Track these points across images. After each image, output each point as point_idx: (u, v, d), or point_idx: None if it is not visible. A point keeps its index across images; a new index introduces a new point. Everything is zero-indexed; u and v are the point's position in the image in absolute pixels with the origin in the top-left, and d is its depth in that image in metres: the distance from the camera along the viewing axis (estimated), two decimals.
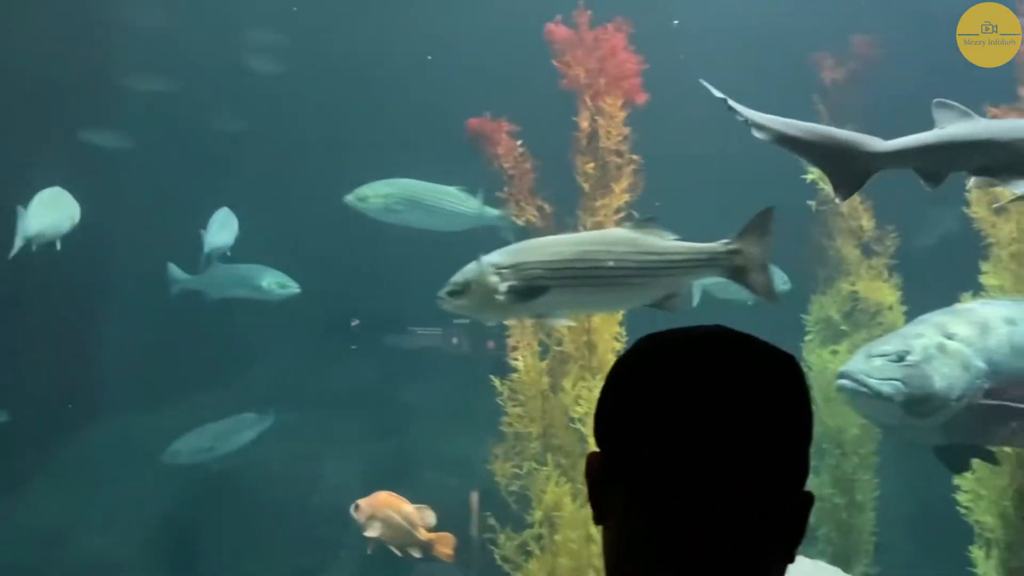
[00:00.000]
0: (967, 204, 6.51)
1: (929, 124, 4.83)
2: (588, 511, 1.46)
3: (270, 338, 11.12)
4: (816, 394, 7.61)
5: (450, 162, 8.20)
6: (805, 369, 7.49)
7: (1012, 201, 5.13)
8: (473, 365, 8.49)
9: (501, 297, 5.19)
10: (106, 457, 9.95)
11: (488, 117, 6.49)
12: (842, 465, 7.89)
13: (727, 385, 1.53)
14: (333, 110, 10.98)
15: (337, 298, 10.60)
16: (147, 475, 9.50)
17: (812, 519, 1.62)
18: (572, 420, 6.51)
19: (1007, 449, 6.13)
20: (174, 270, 9.97)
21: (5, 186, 8.15)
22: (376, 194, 9.01)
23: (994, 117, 5.49)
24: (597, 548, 5.93)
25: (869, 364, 5.60)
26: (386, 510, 7.05)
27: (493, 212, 8.63)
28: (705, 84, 4.78)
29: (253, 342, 11.25)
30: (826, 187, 7.68)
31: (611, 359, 6.14)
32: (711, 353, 1.58)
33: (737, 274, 5.17)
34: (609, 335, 6.50)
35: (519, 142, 6.50)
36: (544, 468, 6.52)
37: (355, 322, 11.06)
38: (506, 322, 6.55)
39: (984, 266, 6.48)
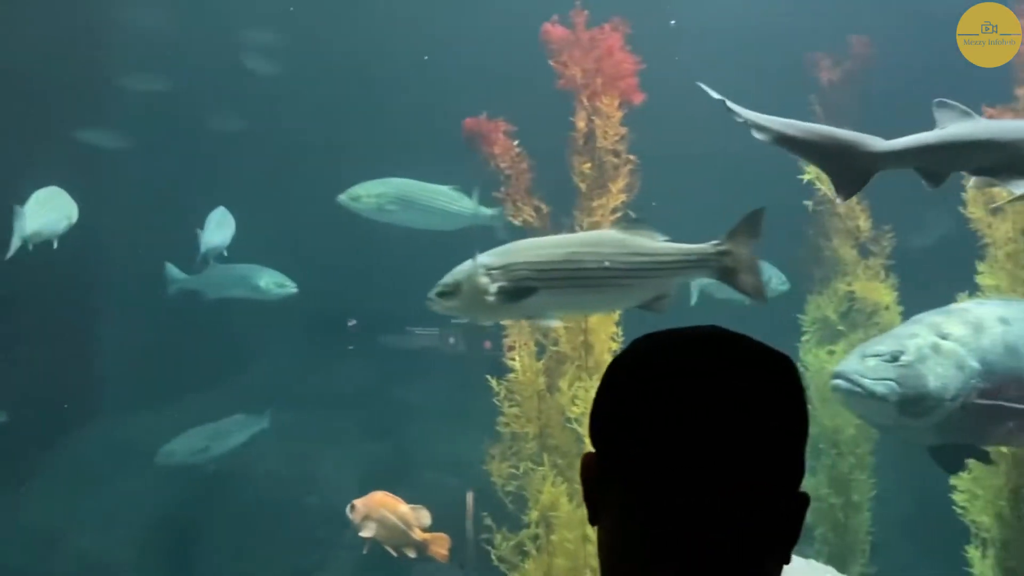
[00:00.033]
0: (963, 204, 6.51)
1: (925, 124, 4.84)
2: (584, 511, 1.47)
3: (267, 338, 11.13)
4: (813, 394, 7.62)
5: (447, 162, 8.19)
6: (802, 369, 7.54)
7: (1011, 201, 5.14)
8: (470, 365, 8.48)
9: (491, 298, 5.20)
10: (103, 457, 9.95)
11: (485, 117, 6.48)
12: (839, 465, 7.89)
13: (724, 385, 1.53)
14: (330, 110, 10.99)
15: (334, 298, 10.60)
16: (144, 475, 9.50)
17: (809, 519, 1.62)
18: (568, 420, 6.51)
19: (1003, 449, 6.13)
20: (172, 270, 9.96)
21: (3, 186, 8.14)
22: (369, 193, 9.00)
23: (990, 118, 5.49)
24: (593, 548, 5.92)
25: (863, 364, 5.61)
26: (381, 510, 7.04)
27: (487, 211, 8.63)
28: (703, 87, 4.78)
29: (251, 342, 11.26)
30: (823, 187, 7.70)
31: (607, 359, 6.12)
32: (707, 353, 1.58)
33: (726, 275, 5.19)
34: (605, 335, 6.50)
35: (516, 142, 6.50)
36: (540, 468, 6.52)
37: (352, 322, 11.06)
38: (503, 322, 6.55)
39: (980, 266, 6.49)
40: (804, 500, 1.58)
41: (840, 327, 8.12)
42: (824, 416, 7.71)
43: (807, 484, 1.59)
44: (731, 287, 5.24)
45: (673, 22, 9.94)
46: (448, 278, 5.35)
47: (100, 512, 9.48)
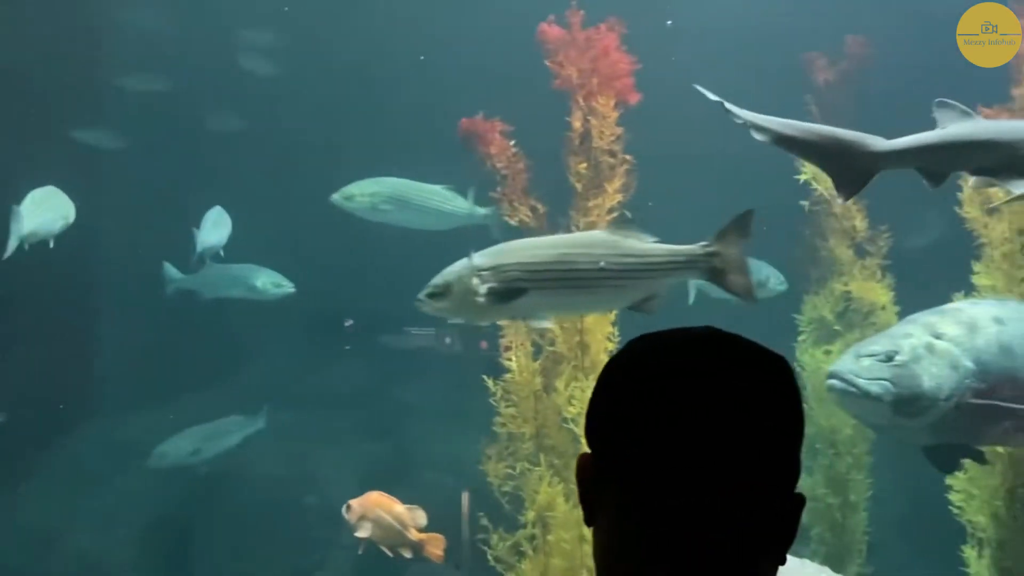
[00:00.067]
0: (959, 205, 6.52)
1: (922, 124, 4.84)
2: (581, 511, 1.46)
3: (265, 338, 11.12)
4: (809, 394, 7.63)
5: (445, 162, 8.19)
6: (798, 369, 7.53)
7: (1009, 201, 5.14)
8: (466, 365, 8.49)
9: (481, 299, 5.20)
10: (101, 457, 9.95)
11: (481, 117, 6.48)
12: (836, 465, 7.89)
13: (719, 386, 1.53)
14: (328, 110, 10.99)
15: (332, 298, 10.60)
16: (143, 475, 9.49)
17: (805, 519, 1.62)
18: (565, 420, 6.51)
19: (999, 449, 6.14)
20: (170, 269, 9.96)
21: (0, 186, 8.14)
22: (363, 193, 9.00)
23: (987, 118, 5.49)
24: (590, 548, 5.90)
25: (858, 364, 5.61)
26: (377, 510, 7.04)
27: (481, 211, 8.63)
28: (701, 89, 4.78)
29: (248, 342, 11.26)
30: (819, 187, 7.71)
31: (603, 359, 6.14)
32: (702, 354, 1.58)
33: (715, 276, 5.20)
34: (602, 335, 6.50)
35: (512, 142, 6.50)
36: (537, 468, 6.52)
37: (349, 322, 11.06)
38: (498, 323, 6.55)
39: (976, 266, 6.50)
40: (800, 501, 1.58)
41: (836, 327, 8.12)
42: (821, 416, 7.71)
43: (804, 484, 1.59)
44: (721, 288, 5.25)
45: (670, 22, 9.94)
46: (438, 279, 5.36)
47: (98, 512, 9.48)
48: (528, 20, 6.54)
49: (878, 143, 4.68)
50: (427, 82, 10.57)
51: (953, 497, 6.37)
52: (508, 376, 6.61)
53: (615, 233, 5.37)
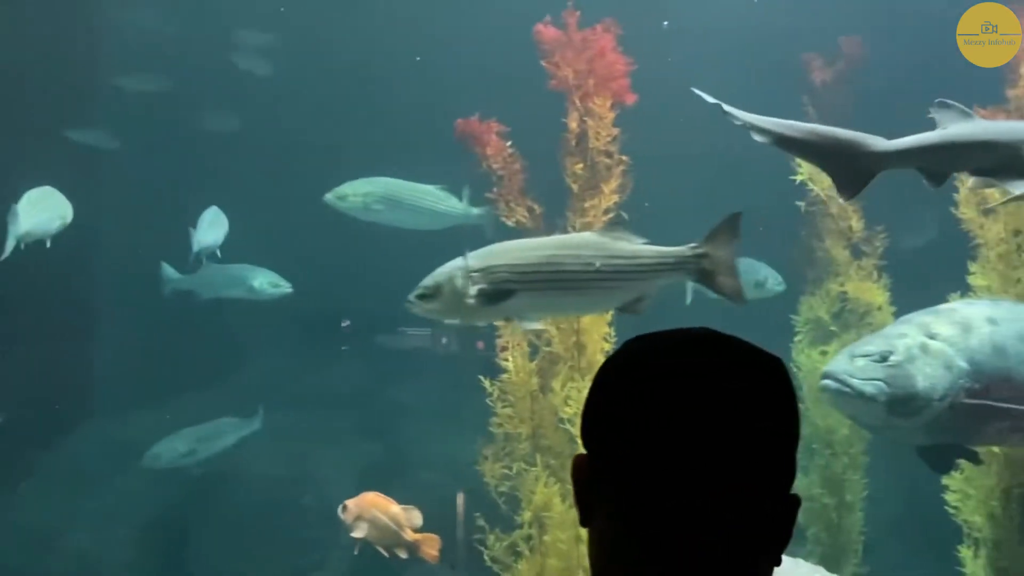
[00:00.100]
0: (955, 206, 6.53)
1: (917, 125, 4.85)
2: (577, 512, 1.47)
3: (262, 338, 11.12)
4: (806, 395, 7.63)
5: (442, 162, 8.18)
6: (794, 370, 7.53)
7: (1006, 201, 5.15)
8: (463, 365, 8.49)
9: (470, 301, 5.21)
10: (99, 457, 9.94)
11: (477, 118, 6.47)
12: (832, 465, 7.89)
13: (715, 387, 1.53)
14: (325, 110, 10.98)
15: (329, 298, 10.59)
16: (141, 475, 9.49)
17: (801, 519, 1.62)
18: (561, 421, 6.52)
19: (995, 449, 6.15)
20: (167, 270, 9.96)
21: None
22: (355, 193, 8.99)
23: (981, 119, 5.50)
24: (586, 549, 5.91)
25: (852, 364, 5.61)
26: (373, 511, 7.04)
27: (475, 211, 8.63)
28: (699, 92, 4.78)
29: (245, 342, 11.25)
30: (815, 188, 7.71)
31: (600, 360, 6.12)
32: (699, 355, 1.58)
33: (704, 277, 5.21)
34: (598, 336, 6.50)
35: (508, 143, 6.50)
36: (533, 469, 6.52)
37: (346, 322, 11.05)
38: (495, 323, 6.55)
39: (972, 267, 6.50)
40: (795, 502, 1.58)
41: (833, 328, 8.11)
42: (817, 416, 7.70)
43: (800, 484, 1.59)
44: (710, 290, 5.25)
45: (666, 23, 9.94)
46: (428, 281, 5.37)
47: (97, 512, 9.48)
48: (525, 20, 6.53)
49: (879, 143, 4.69)
50: (424, 82, 10.57)
51: (949, 497, 6.38)
52: (504, 376, 6.61)
53: (604, 235, 5.38)
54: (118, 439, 9.97)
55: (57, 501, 9.58)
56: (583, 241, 5.46)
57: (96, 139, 10.43)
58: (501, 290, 5.23)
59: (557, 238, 5.82)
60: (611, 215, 6.35)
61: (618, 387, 1.59)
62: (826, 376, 5.69)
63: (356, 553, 7.14)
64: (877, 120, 4.90)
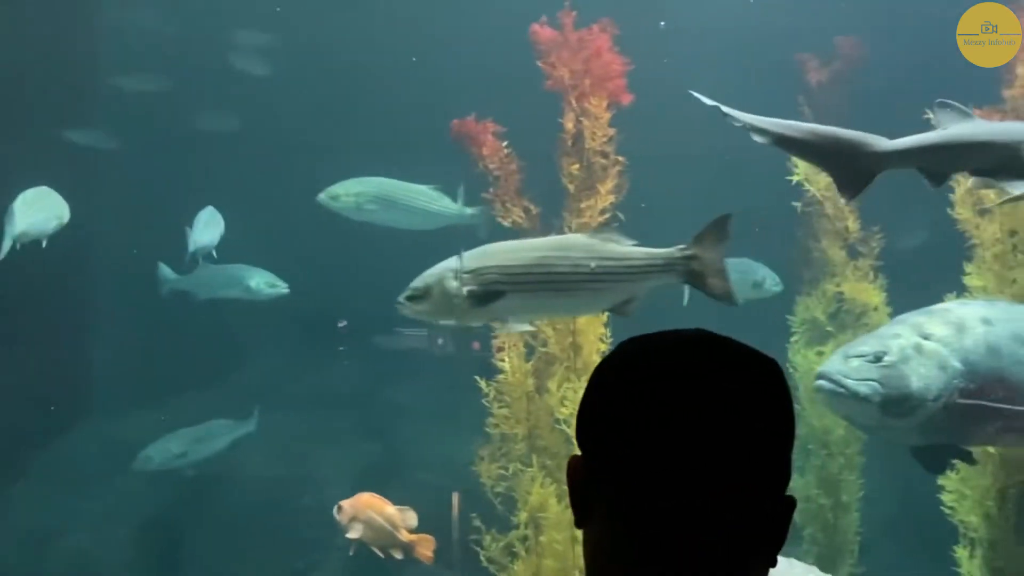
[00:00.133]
0: (951, 206, 6.53)
1: (913, 125, 4.86)
2: None
3: (259, 338, 11.12)
4: (802, 395, 7.62)
5: (440, 162, 8.18)
6: (790, 370, 7.52)
7: (1007, 201, 5.16)
8: (459, 366, 8.49)
9: (460, 302, 5.22)
10: (96, 458, 9.93)
11: (473, 118, 6.47)
12: (828, 466, 7.89)
13: (710, 388, 1.53)
14: (322, 110, 10.98)
15: (325, 298, 10.58)
16: (136, 475, 9.47)
17: (797, 519, 1.62)
18: (557, 421, 6.52)
19: (990, 449, 6.15)
20: (164, 270, 9.95)
21: None
22: (347, 193, 8.98)
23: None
24: (581, 549, 5.90)
25: (846, 365, 5.61)
26: (368, 511, 7.04)
27: (469, 211, 8.62)
28: (696, 95, 4.78)
29: (242, 342, 11.25)
30: (811, 188, 7.72)
31: (596, 360, 6.14)
32: (694, 356, 1.58)
33: (694, 279, 5.21)
34: (594, 336, 6.50)
35: (505, 143, 6.49)
36: (529, 469, 6.53)
37: (342, 323, 11.05)
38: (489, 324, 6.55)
39: (968, 267, 6.51)
40: (791, 503, 1.58)
41: (829, 328, 8.12)
42: (813, 417, 7.70)
43: (796, 484, 1.59)
44: (700, 291, 5.26)
45: (663, 23, 9.94)
46: (418, 282, 5.38)
47: (93, 512, 9.47)
48: (521, 21, 6.53)
49: (881, 143, 4.69)
50: (421, 82, 10.56)
51: (945, 497, 6.39)
52: (501, 377, 6.61)
53: (594, 236, 5.39)
54: (116, 439, 9.96)
55: (55, 501, 9.58)
56: (573, 243, 5.47)
57: (94, 139, 10.42)
58: (491, 291, 5.23)
59: (547, 239, 5.83)
60: (607, 215, 6.35)
61: (614, 388, 1.59)
62: (820, 376, 5.68)
63: (351, 554, 7.15)
64: (877, 120, 4.90)
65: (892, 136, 4.76)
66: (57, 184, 8.05)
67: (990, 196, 5.84)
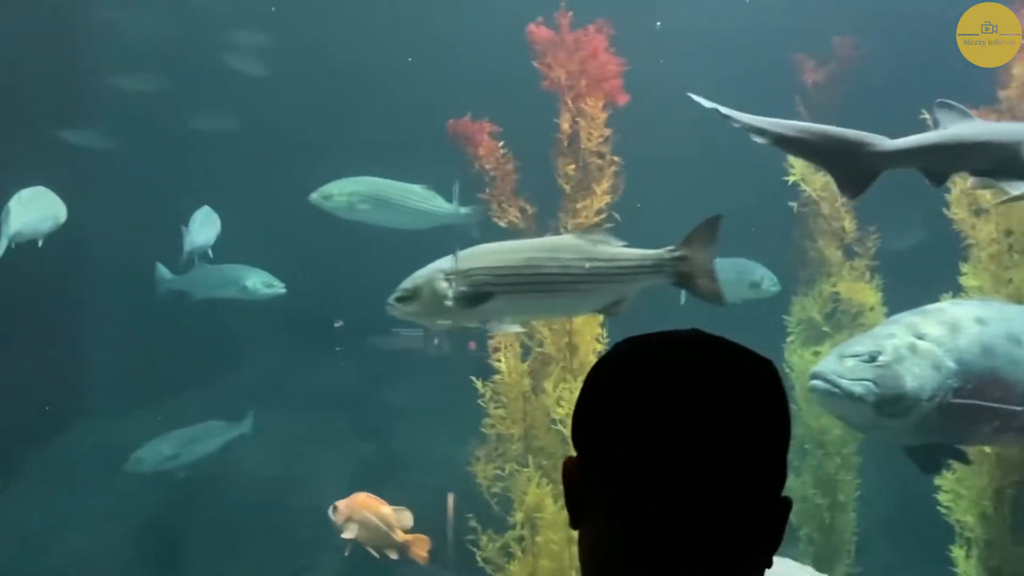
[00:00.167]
0: (947, 206, 6.54)
1: (910, 125, 4.86)
2: None
3: (256, 338, 11.10)
4: (798, 395, 7.63)
5: (435, 163, 8.18)
6: (787, 370, 7.52)
7: (1007, 201, 5.16)
8: (455, 366, 8.48)
9: (449, 303, 5.22)
10: (92, 458, 9.91)
11: (469, 118, 6.47)
12: (824, 466, 7.89)
13: (706, 388, 1.53)
14: (318, 110, 10.97)
15: (322, 298, 10.58)
16: (132, 476, 9.45)
17: (794, 519, 1.62)
18: (554, 422, 6.52)
19: (986, 449, 6.16)
20: (161, 270, 9.94)
21: None
22: (340, 192, 8.98)
23: None
24: (578, 550, 5.89)
25: (841, 365, 5.60)
26: (363, 512, 7.04)
27: (463, 210, 8.61)
28: (695, 97, 4.78)
29: (239, 342, 11.23)
30: (807, 188, 7.72)
31: (592, 361, 6.13)
32: (690, 356, 1.58)
33: (684, 280, 5.22)
34: (590, 336, 6.50)
35: (501, 143, 6.49)
36: (526, 470, 6.53)
37: (339, 323, 11.04)
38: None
39: (964, 267, 6.51)
40: (787, 504, 1.58)
41: (825, 328, 8.12)
42: (810, 417, 7.70)
43: (792, 484, 1.59)
44: (689, 293, 5.27)
45: (659, 24, 9.94)
46: (407, 283, 5.39)
47: (90, 512, 9.47)
48: (518, 21, 6.53)
49: (883, 143, 4.70)
50: (418, 83, 10.56)
51: (941, 497, 6.40)
52: (497, 377, 6.62)
53: (584, 237, 5.39)
54: (112, 440, 9.94)
55: (52, 501, 9.56)
56: (563, 244, 5.48)
57: (91, 139, 10.41)
58: (480, 292, 5.24)
59: (536, 241, 5.83)
60: (603, 216, 6.35)
61: (610, 388, 1.58)
62: (815, 376, 5.68)
63: (347, 554, 7.14)
64: (876, 120, 4.90)
65: (892, 136, 4.76)
66: (54, 184, 8.04)
67: (986, 196, 5.85)
